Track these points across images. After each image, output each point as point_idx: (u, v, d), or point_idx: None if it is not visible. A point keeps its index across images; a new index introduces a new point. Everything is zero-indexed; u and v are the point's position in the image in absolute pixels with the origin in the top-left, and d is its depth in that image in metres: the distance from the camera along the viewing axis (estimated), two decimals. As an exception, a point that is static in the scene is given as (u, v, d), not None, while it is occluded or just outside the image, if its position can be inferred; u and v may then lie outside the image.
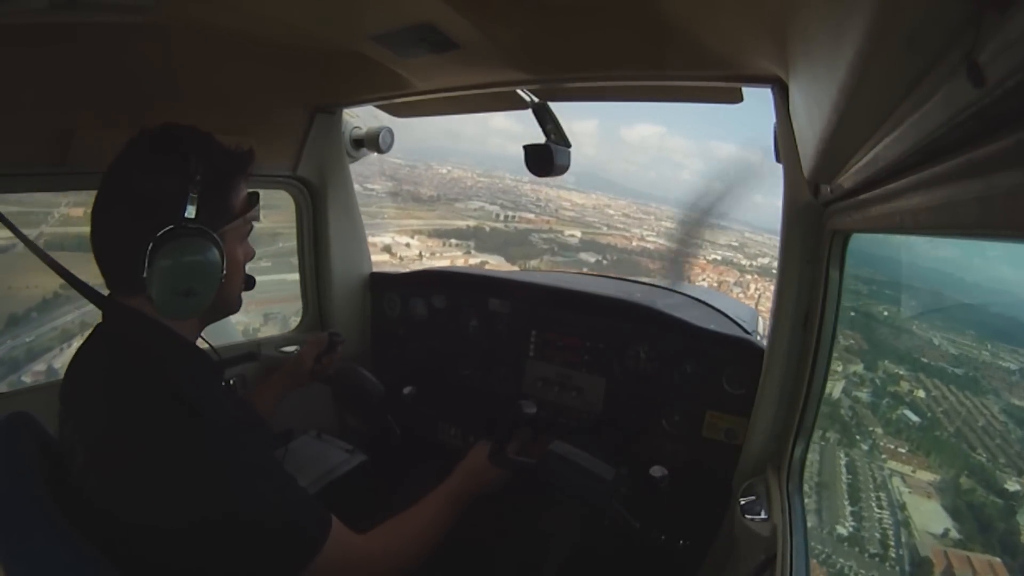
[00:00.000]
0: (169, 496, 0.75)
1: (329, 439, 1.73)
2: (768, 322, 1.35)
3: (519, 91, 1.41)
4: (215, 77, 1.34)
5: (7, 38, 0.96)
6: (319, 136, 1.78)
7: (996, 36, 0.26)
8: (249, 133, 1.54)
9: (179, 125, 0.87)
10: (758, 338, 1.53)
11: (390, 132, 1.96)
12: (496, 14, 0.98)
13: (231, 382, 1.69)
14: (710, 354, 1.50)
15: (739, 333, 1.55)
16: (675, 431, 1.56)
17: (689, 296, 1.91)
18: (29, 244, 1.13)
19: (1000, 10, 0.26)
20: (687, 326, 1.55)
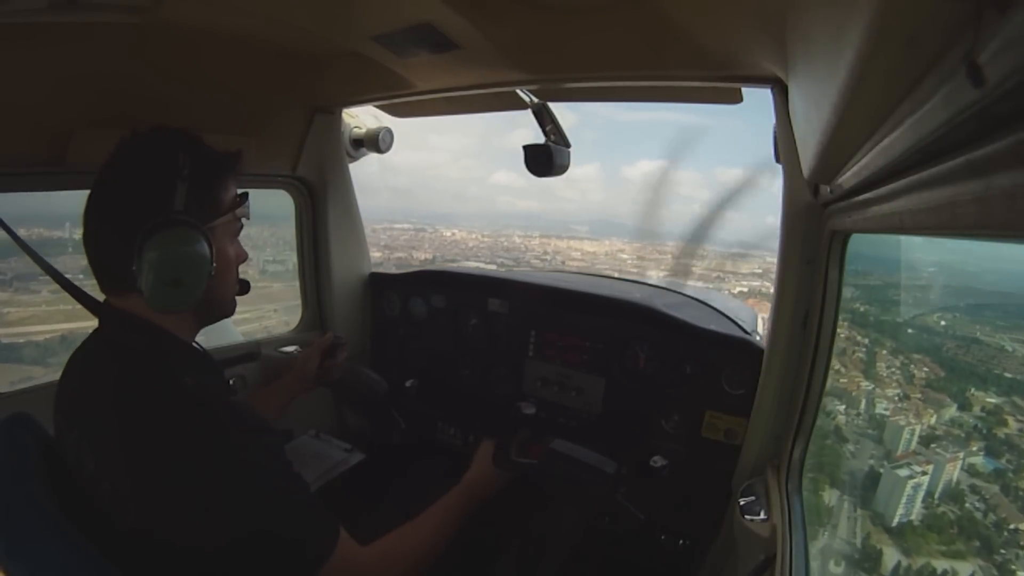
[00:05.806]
0: (193, 508, 0.75)
1: (327, 438, 1.73)
2: (768, 322, 1.35)
3: (519, 91, 1.41)
4: (215, 77, 1.34)
5: (7, 38, 0.96)
6: (319, 136, 1.78)
7: (996, 36, 0.26)
8: (249, 133, 1.55)
9: (169, 126, 0.89)
10: (757, 338, 1.53)
11: (390, 132, 1.96)
12: (496, 14, 0.98)
13: (231, 382, 1.69)
14: (710, 354, 1.50)
15: (739, 333, 1.55)
16: (674, 431, 1.56)
17: (689, 296, 1.91)
18: (24, 247, 1.13)
19: (1000, 10, 0.26)
20: (687, 326, 1.55)
